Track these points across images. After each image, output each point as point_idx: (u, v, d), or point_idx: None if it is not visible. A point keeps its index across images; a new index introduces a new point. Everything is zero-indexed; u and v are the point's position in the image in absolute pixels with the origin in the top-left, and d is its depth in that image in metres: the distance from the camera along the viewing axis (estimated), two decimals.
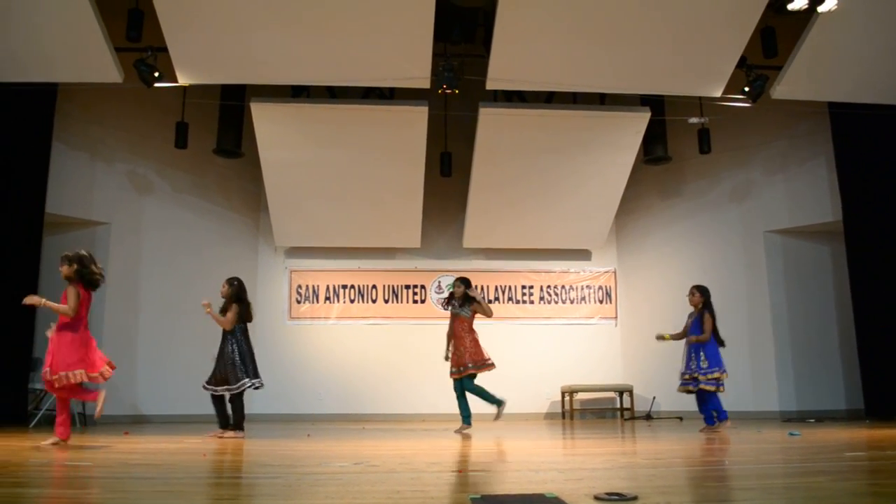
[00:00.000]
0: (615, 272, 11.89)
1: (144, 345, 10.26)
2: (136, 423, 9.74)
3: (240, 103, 10.00)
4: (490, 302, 11.39)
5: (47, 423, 8.93)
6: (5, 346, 8.67)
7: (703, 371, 7.36)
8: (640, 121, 9.88)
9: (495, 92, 9.66)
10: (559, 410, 11.13)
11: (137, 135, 10.50)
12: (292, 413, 10.76)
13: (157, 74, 8.49)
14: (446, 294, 11.18)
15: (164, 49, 8.09)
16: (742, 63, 8.67)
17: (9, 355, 8.69)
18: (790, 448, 5.09)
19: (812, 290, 10.67)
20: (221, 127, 10.31)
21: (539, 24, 7.89)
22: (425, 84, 8.60)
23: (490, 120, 9.68)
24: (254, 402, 10.14)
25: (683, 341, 7.67)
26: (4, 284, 8.80)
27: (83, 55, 8.03)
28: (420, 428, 8.59)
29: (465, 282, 7.85)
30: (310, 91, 9.93)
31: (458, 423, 7.61)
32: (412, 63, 8.25)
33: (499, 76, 8.52)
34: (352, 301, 11.51)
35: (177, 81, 8.46)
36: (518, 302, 11.68)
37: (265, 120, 9.57)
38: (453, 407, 7.64)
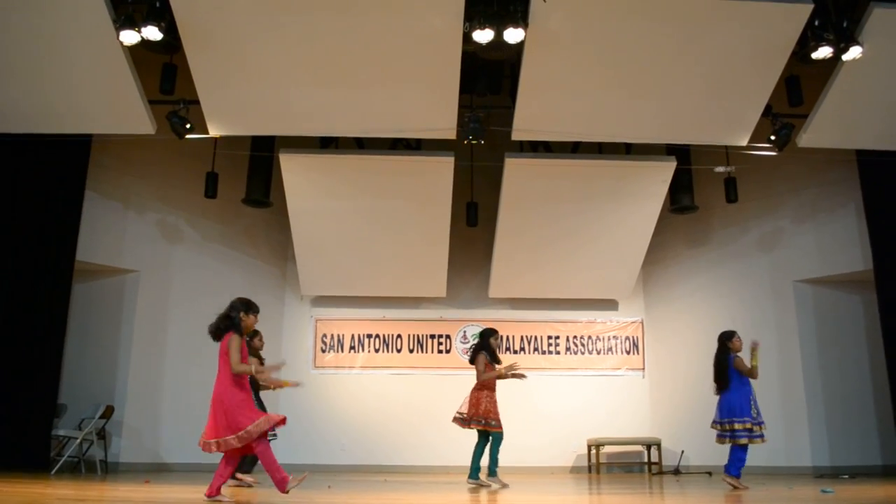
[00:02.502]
0: (642, 322, 11.75)
1: (169, 392, 10.28)
2: (159, 471, 9.71)
3: (269, 154, 10.17)
4: (515, 352, 11.35)
5: (69, 470, 8.96)
6: (32, 392, 8.75)
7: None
8: (665, 170, 9.87)
9: (521, 142, 9.73)
10: (585, 464, 10.91)
11: (168, 185, 10.69)
12: (314, 463, 10.64)
13: (188, 126, 8.66)
14: (472, 343, 11.17)
15: (196, 102, 8.27)
16: (767, 112, 8.65)
17: (35, 401, 8.77)
18: None
19: (844, 340, 10.43)
20: (250, 177, 10.48)
21: (564, 75, 7.98)
22: (452, 135, 8.69)
23: (516, 170, 9.72)
24: (277, 452, 10.09)
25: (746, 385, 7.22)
26: (33, 330, 8.93)
27: (117, 107, 8.24)
28: (443, 481, 8.46)
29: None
30: (338, 142, 10.07)
31: (486, 476, 7.42)
32: (439, 114, 8.36)
33: (524, 127, 8.60)
34: (376, 350, 11.48)
35: (208, 133, 8.63)
36: (544, 352, 11.55)
37: (294, 170, 9.70)
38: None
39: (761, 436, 6.87)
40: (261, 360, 7.37)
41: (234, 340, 4.84)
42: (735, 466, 6.80)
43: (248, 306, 5.05)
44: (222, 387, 4.85)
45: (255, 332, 7.32)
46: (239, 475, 6.94)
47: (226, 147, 9.97)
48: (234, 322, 4.93)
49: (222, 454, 4.89)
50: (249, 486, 6.93)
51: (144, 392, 10.15)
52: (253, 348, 7.23)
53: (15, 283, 8.93)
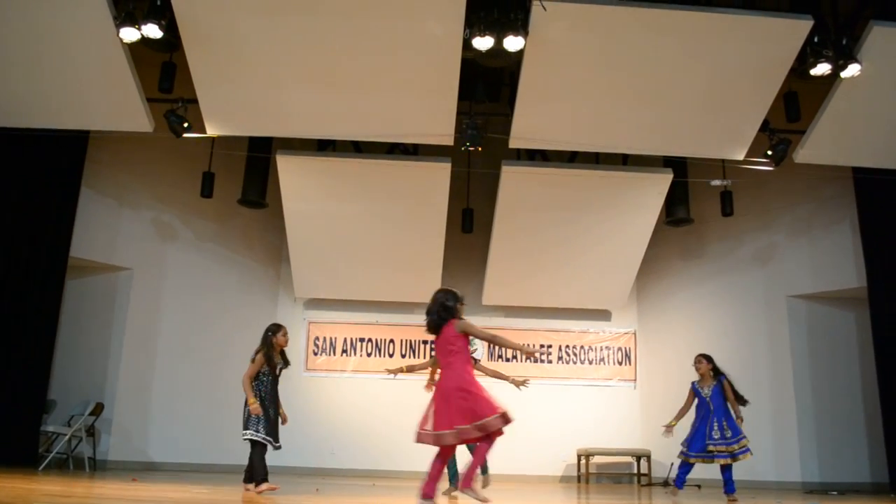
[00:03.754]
0: (635, 333, 11.75)
1: (159, 391, 10.24)
2: (147, 469, 9.66)
3: (266, 155, 10.15)
4: (507, 360, 11.29)
5: (57, 467, 8.91)
6: (21, 387, 8.72)
7: (733, 440, 7.06)
8: (662, 182, 9.89)
9: (518, 150, 9.73)
10: (575, 474, 10.88)
11: (164, 183, 10.68)
12: (304, 467, 10.61)
13: (186, 125, 8.65)
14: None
15: (195, 101, 8.26)
16: (765, 127, 8.68)
17: (25, 397, 8.74)
18: None
19: (836, 357, 10.45)
20: (247, 178, 10.45)
21: (563, 84, 7.99)
22: (449, 141, 8.70)
23: (512, 178, 9.72)
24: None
25: (692, 411, 7.38)
26: (24, 325, 8.90)
27: (116, 105, 8.24)
28: None
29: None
30: (335, 145, 10.07)
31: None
32: (437, 120, 8.37)
33: (522, 135, 8.61)
34: (368, 354, 11.45)
35: (205, 132, 8.63)
36: (536, 361, 11.53)
37: (290, 172, 9.69)
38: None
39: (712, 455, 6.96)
40: (285, 359, 7.24)
41: (463, 323, 4.80)
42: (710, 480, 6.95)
43: (457, 296, 4.89)
44: (459, 377, 4.81)
45: (279, 327, 7.11)
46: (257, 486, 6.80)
47: (223, 147, 9.96)
48: (452, 310, 4.84)
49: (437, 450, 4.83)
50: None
51: (134, 390, 10.11)
52: (277, 344, 7.06)
53: (7, 277, 8.90)
